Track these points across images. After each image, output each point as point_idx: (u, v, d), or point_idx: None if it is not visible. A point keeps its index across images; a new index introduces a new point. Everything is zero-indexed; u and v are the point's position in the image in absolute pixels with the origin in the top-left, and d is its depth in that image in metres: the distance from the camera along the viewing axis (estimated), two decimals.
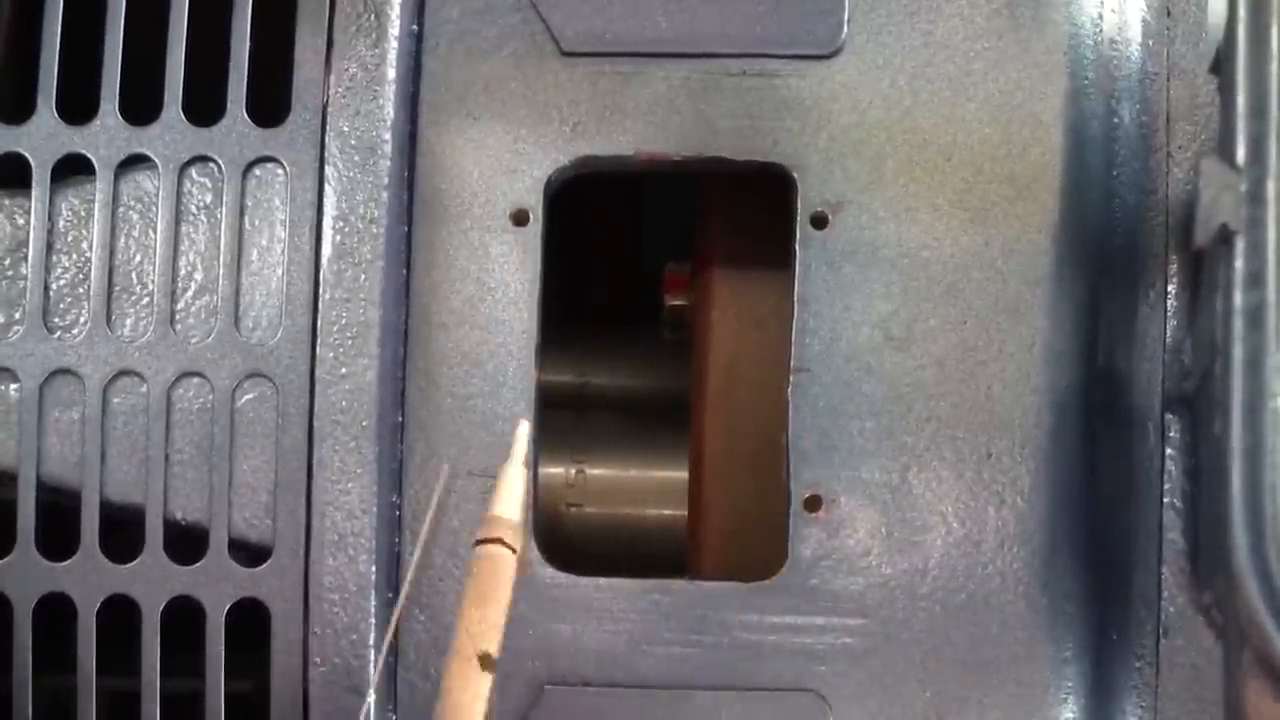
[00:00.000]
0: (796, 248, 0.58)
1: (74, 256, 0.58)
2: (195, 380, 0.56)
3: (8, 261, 0.58)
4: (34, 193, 0.57)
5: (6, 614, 0.56)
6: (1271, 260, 0.49)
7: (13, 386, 0.57)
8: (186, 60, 0.57)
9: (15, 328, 0.57)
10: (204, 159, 0.58)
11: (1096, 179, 0.59)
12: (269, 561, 0.56)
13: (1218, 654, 0.57)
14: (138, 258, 0.57)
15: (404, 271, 0.58)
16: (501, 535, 0.53)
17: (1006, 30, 0.59)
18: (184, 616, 0.56)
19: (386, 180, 0.57)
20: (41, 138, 0.57)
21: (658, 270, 0.66)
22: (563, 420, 0.66)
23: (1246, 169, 0.49)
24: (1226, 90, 0.50)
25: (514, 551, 0.53)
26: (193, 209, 0.58)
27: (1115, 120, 0.59)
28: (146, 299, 0.57)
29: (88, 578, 0.55)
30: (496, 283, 0.58)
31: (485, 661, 0.51)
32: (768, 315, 0.62)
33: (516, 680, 0.57)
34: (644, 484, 0.72)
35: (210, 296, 0.57)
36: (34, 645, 0.56)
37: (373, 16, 0.58)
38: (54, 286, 0.58)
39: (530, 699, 0.57)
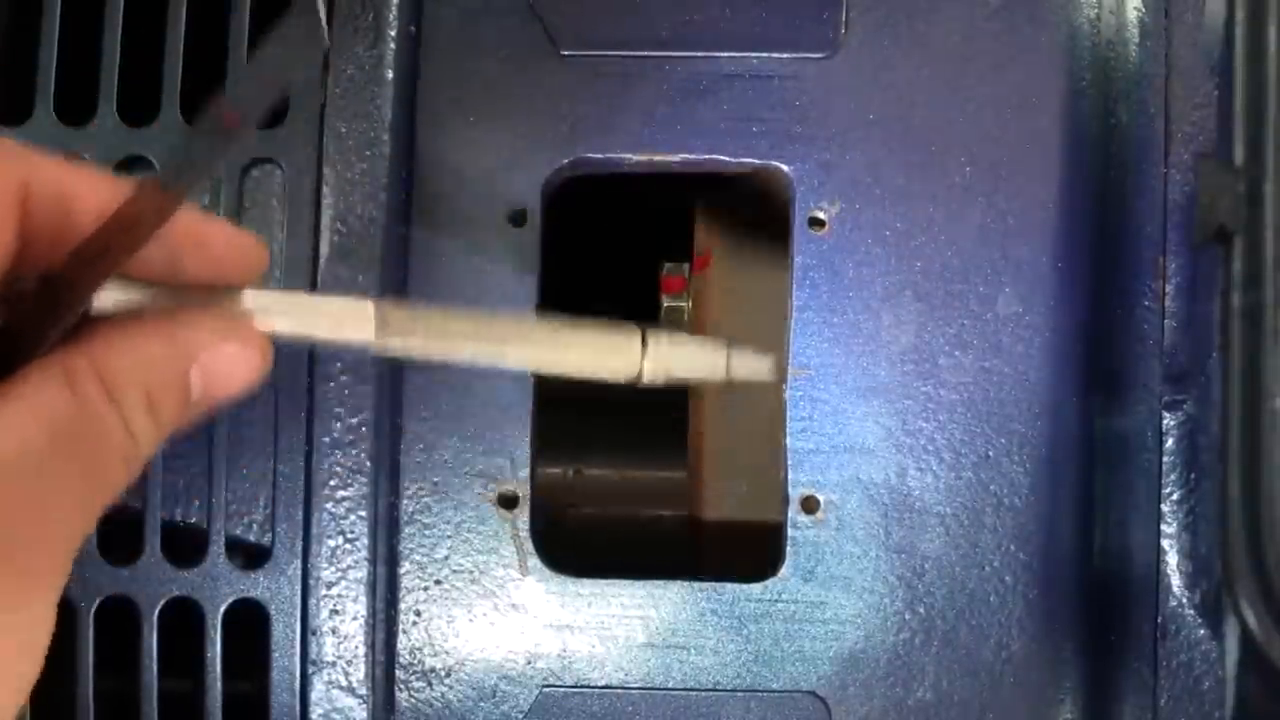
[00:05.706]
0: (794, 249, 0.58)
1: None
2: None
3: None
4: None
5: None
6: (1269, 261, 0.49)
7: None
8: (184, 61, 0.57)
9: None
10: None
11: (1094, 180, 0.59)
12: (267, 563, 0.56)
13: (1216, 655, 0.56)
14: None
15: (402, 272, 0.58)
16: None
17: (1004, 31, 0.59)
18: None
19: (384, 181, 0.57)
20: (39, 140, 0.57)
21: (656, 271, 0.66)
22: (561, 420, 0.65)
23: (1244, 170, 0.49)
24: (1224, 91, 0.50)
25: None
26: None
27: (1113, 121, 0.59)
28: None
29: (86, 580, 0.55)
30: (494, 283, 0.58)
31: None
32: (765, 316, 0.62)
33: (512, 682, 0.57)
34: (642, 484, 0.72)
35: None
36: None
37: (370, 17, 0.58)
38: None
39: (526, 701, 0.57)
